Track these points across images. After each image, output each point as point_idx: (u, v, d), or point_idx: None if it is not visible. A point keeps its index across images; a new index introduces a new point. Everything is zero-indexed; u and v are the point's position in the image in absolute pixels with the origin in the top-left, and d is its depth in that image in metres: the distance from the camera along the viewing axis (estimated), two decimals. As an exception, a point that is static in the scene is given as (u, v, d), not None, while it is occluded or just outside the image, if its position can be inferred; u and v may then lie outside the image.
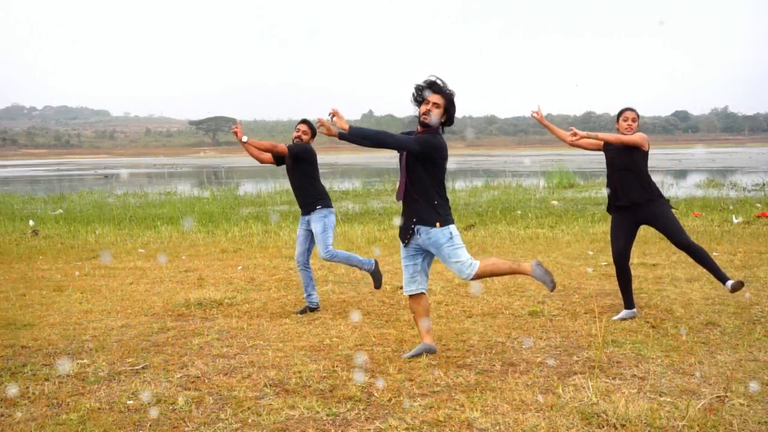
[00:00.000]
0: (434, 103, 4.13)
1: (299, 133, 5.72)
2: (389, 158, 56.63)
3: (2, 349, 4.76)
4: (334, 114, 3.86)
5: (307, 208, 5.72)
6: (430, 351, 4.40)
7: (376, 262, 5.86)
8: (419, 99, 4.18)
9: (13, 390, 3.90)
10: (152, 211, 15.45)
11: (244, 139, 5.46)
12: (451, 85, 4.26)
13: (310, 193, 5.72)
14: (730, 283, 4.94)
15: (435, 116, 4.14)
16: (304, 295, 5.83)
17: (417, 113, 4.22)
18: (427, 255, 4.36)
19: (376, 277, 5.82)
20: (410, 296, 4.41)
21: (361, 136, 3.96)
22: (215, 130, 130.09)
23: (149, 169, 49.84)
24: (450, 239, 4.19)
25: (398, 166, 4.35)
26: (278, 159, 5.83)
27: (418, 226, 4.21)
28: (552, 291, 4.50)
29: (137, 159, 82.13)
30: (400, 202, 4.32)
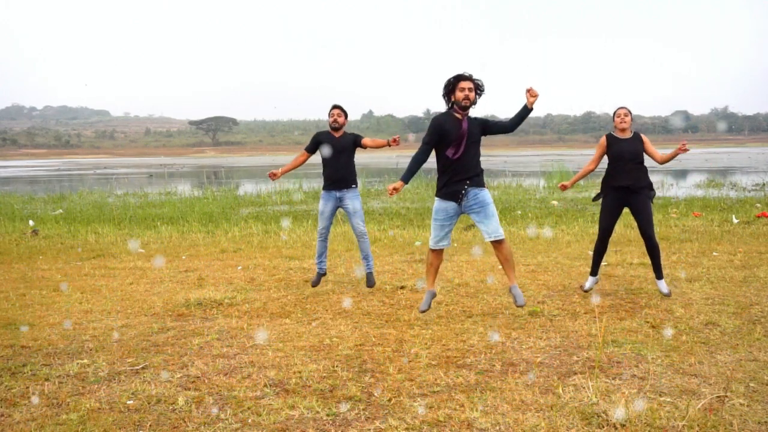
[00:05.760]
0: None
1: (337, 117, 6.33)
2: (389, 158, 56.58)
3: (2, 349, 4.76)
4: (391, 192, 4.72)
5: (343, 183, 6.31)
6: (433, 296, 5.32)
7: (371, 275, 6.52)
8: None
9: (13, 390, 3.90)
10: (152, 211, 15.45)
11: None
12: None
13: (352, 171, 6.36)
14: (662, 283, 5.78)
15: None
16: (317, 262, 6.57)
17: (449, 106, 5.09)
18: (456, 218, 5.13)
19: (369, 280, 6.54)
20: (435, 251, 5.21)
21: (412, 174, 4.94)
22: (215, 130, 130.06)
23: (150, 169, 49.82)
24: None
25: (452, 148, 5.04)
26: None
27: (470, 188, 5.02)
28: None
29: (137, 159, 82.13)
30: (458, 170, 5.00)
